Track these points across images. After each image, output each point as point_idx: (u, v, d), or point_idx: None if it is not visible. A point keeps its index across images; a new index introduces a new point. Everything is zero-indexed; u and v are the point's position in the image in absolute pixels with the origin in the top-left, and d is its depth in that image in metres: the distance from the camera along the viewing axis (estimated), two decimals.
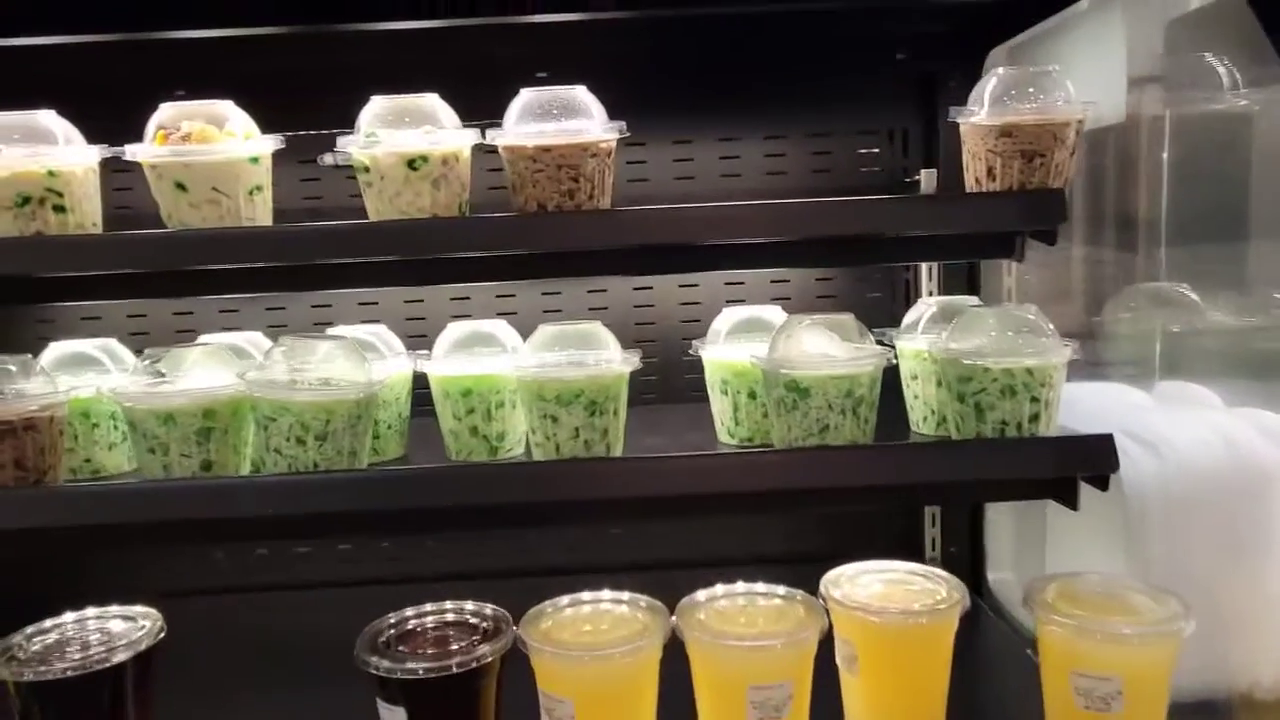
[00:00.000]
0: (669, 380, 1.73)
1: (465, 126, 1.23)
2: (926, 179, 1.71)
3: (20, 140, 1.18)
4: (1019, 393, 1.17)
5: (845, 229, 1.20)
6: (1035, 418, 1.18)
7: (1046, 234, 1.23)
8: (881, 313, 1.75)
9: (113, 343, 1.43)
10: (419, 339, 1.59)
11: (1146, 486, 1.28)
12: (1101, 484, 1.16)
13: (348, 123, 1.40)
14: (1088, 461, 1.14)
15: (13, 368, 1.19)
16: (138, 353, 1.47)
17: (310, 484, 1.13)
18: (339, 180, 1.68)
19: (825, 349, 1.22)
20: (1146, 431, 1.33)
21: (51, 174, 1.17)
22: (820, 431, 1.19)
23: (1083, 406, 1.39)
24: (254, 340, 1.44)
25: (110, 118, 1.25)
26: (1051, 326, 1.23)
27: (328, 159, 1.70)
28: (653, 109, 1.52)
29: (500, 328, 1.42)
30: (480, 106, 1.31)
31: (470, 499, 1.13)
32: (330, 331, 1.44)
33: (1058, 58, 1.54)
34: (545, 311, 1.73)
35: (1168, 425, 1.35)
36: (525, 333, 1.43)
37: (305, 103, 1.57)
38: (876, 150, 1.75)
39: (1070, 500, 1.19)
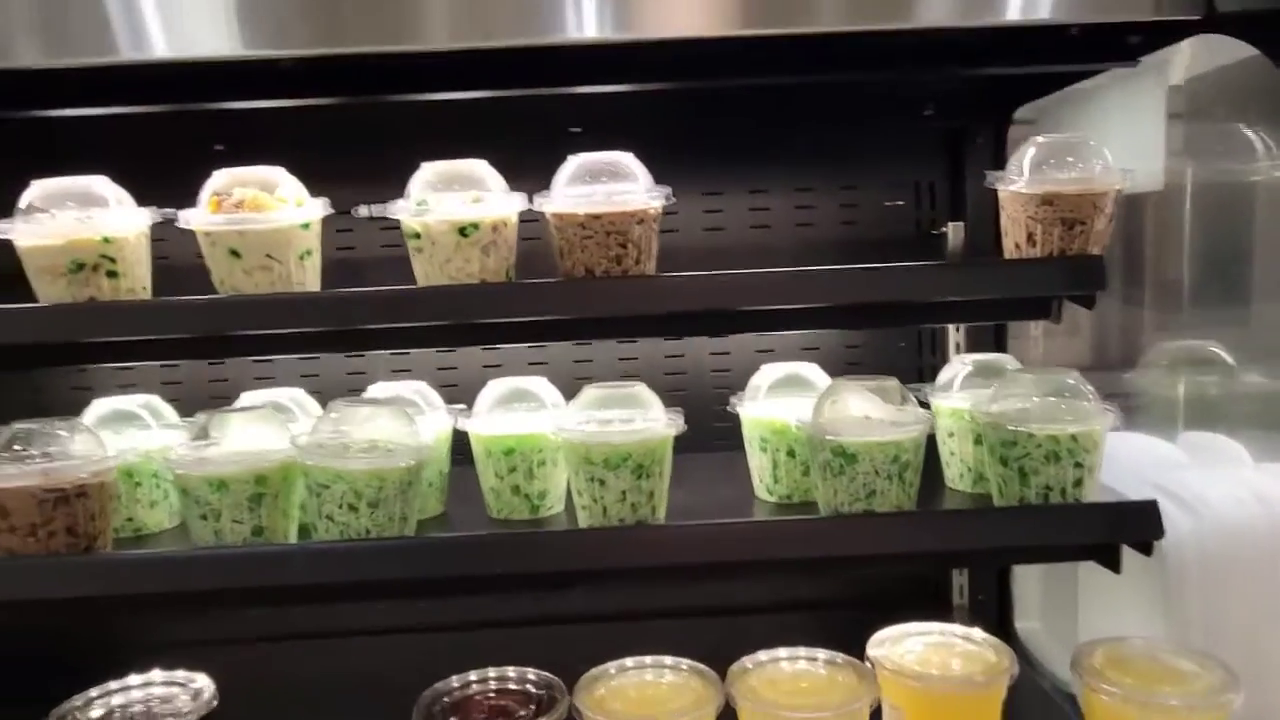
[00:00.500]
0: (698, 429, 1.74)
1: (500, 174, 1.25)
2: (954, 231, 1.73)
3: (75, 206, 1.19)
4: (1063, 458, 1.19)
5: (890, 295, 1.22)
6: (1079, 482, 1.20)
7: (1085, 298, 1.25)
8: (908, 364, 1.77)
9: (154, 399, 1.44)
10: (450, 388, 1.60)
11: (1183, 545, 1.30)
12: (1145, 549, 1.17)
13: (384, 176, 1.42)
14: (1132, 528, 1.16)
15: (63, 432, 1.19)
16: (171, 400, 1.49)
17: (363, 551, 1.13)
18: (373, 231, 1.70)
19: (870, 413, 1.23)
20: (1180, 488, 1.35)
21: (106, 240, 1.18)
22: (867, 496, 1.20)
23: (1112, 459, 1.40)
24: (296, 397, 1.45)
25: (158, 179, 1.27)
26: (1091, 389, 1.25)
27: (363, 210, 1.73)
28: (684, 161, 1.54)
29: (539, 384, 1.43)
30: (516, 161, 1.34)
31: (522, 567, 1.14)
32: (371, 389, 1.46)
33: (1086, 116, 1.57)
34: (576, 361, 1.75)
35: (1201, 482, 1.37)
36: (557, 385, 1.45)
37: (344, 160, 1.59)
38: (903, 203, 1.77)
39: (1113, 564, 1.21)
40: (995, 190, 1.27)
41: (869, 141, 1.72)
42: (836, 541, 1.15)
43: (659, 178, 1.24)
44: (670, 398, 1.31)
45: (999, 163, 1.71)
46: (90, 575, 1.11)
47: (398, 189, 1.25)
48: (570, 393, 1.44)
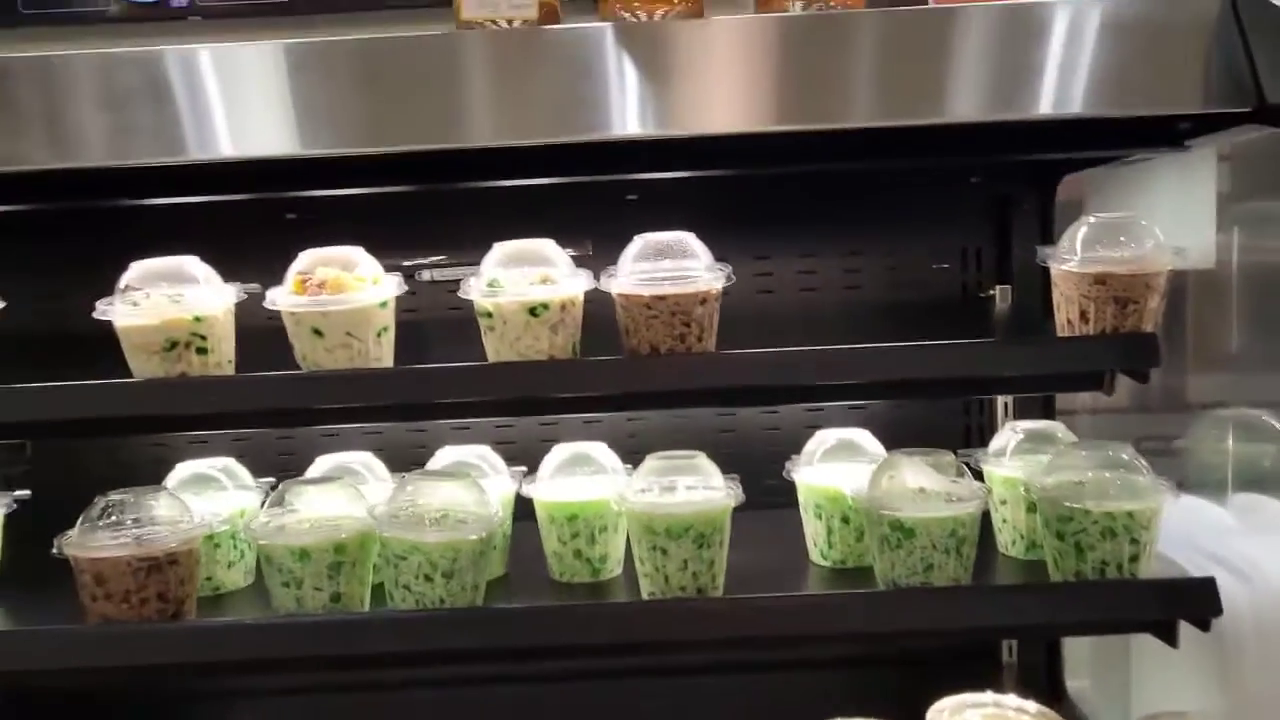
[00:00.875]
0: (748, 488, 1.78)
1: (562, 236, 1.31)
2: (1001, 294, 1.76)
3: (167, 284, 1.26)
4: (1119, 535, 1.21)
5: (945, 372, 1.25)
6: (1135, 558, 1.22)
7: (1140, 374, 1.28)
8: (956, 425, 1.78)
9: (230, 462, 1.50)
10: (507, 445, 1.64)
11: (1239, 615, 1.31)
12: (1203, 626, 1.19)
13: (448, 240, 1.48)
14: (1190, 605, 1.18)
15: (153, 501, 1.26)
16: (240, 457, 1.55)
17: (438, 620, 1.18)
18: (439, 294, 1.75)
19: (926, 486, 1.26)
20: (1234, 556, 1.36)
21: (196, 319, 1.25)
22: (924, 570, 1.23)
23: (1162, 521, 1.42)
24: (365, 461, 1.50)
25: (236, 248, 1.35)
26: (1145, 464, 1.27)
27: (426, 274, 1.80)
28: (735, 225, 1.60)
29: (599, 450, 1.47)
30: (578, 227, 1.40)
31: (589, 638, 1.18)
32: (439, 453, 1.52)
33: (1135, 182, 1.59)
34: (630, 420, 1.78)
35: (1255, 550, 1.38)
36: (611, 444, 1.49)
37: (410, 227, 1.68)
38: (950, 266, 1.80)
39: (1169, 638, 1.22)
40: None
41: (916, 207, 1.76)
42: (894, 616, 1.18)
43: (711, 241, 1.29)
44: (721, 455, 1.35)
45: (1046, 227, 1.74)
46: (181, 642, 1.17)
47: (461, 251, 1.31)
48: (624, 450, 1.49)
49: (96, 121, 1.18)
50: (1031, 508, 1.36)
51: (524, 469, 1.49)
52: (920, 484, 1.27)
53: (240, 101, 1.19)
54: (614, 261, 1.29)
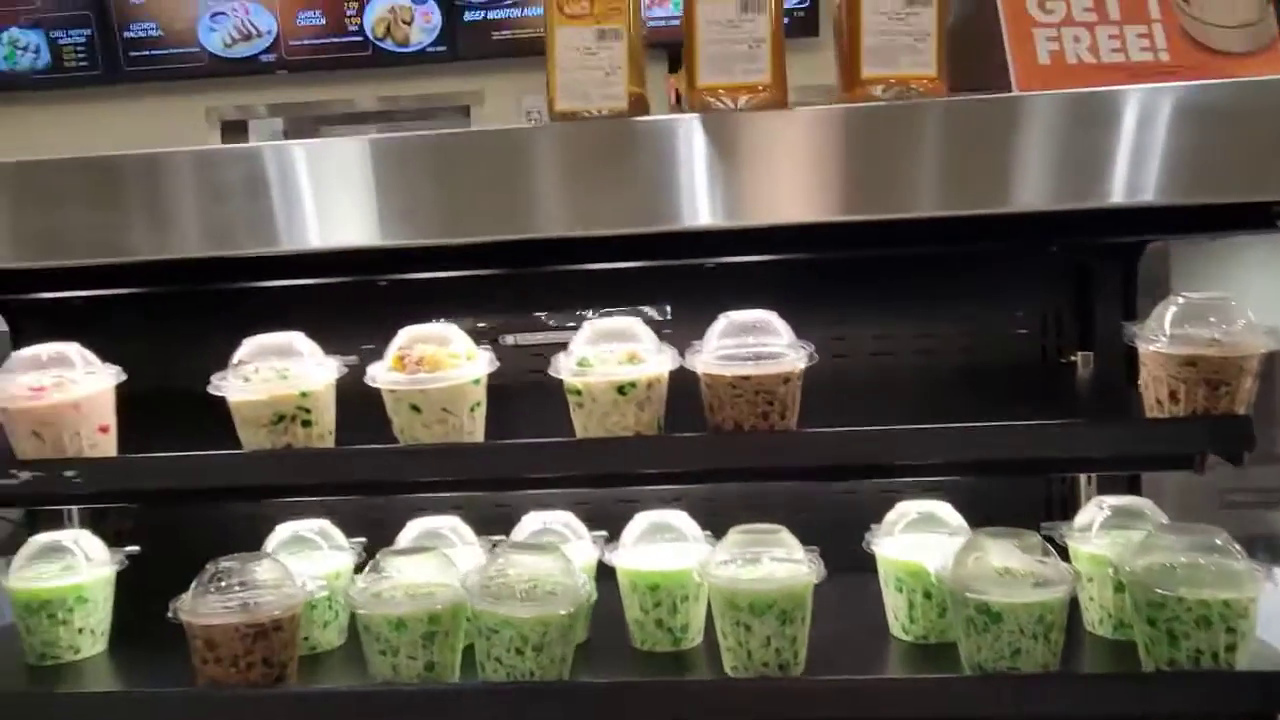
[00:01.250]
0: (826, 558, 1.78)
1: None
2: (1083, 360, 1.75)
3: (277, 359, 1.33)
4: (1214, 623, 1.19)
5: (1036, 452, 1.25)
6: (1232, 648, 1.20)
7: (1234, 456, 1.26)
8: (1037, 496, 1.76)
9: (326, 524, 1.57)
10: (586, 505, 1.67)
11: None
12: None
13: (530, 306, 1.52)
14: None
15: (258, 567, 1.32)
16: (330, 514, 1.61)
17: (528, 692, 1.22)
18: (524, 357, 1.80)
19: (1012, 567, 1.26)
20: None
21: (302, 394, 1.32)
22: (1011, 655, 1.22)
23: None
24: (454, 526, 1.55)
25: (335, 319, 1.42)
26: (1239, 548, 1.25)
27: (510, 339, 1.86)
28: (809, 299, 1.61)
29: (680, 519, 1.50)
30: (651, 294, 1.41)
31: (674, 714, 1.20)
32: (525, 520, 1.56)
33: (1222, 257, 1.58)
34: (709, 485, 1.80)
35: None
36: (690, 510, 1.52)
37: (492, 298, 1.74)
38: (1028, 331, 1.79)
39: None
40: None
41: (995, 274, 1.76)
42: (981, 702, 1.18)
43: (787, 308, 1.32)
44: (798, 521, 1.37)
45: (1129, 294, 1.72)
46: (287, 708, 1.22)
47: (543, 313, 1.33)
48: (703, 514, 1.51)
49: (200, 215, 1.25)
50: (1119, 587, 1.34)
51: (605, 534, 1.53)
52: (1006, 565, 1.26)
53: (341, 194, 1.25)
54: (692, 323, 1.33)
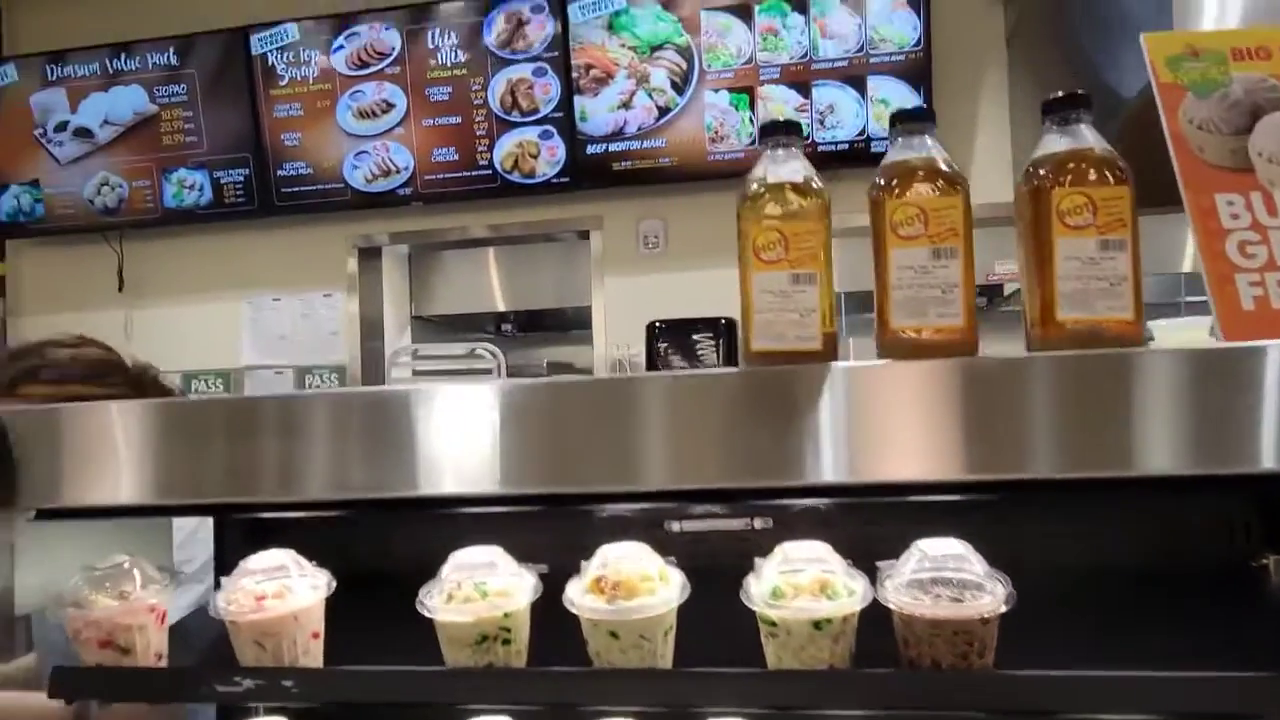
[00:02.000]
0: None
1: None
2: (1275, 565, 1.67)
3: (482, 574, 1.40)
4: None
5: (1255, 708, 1.20)
6: None
7: None
8: None
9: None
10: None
11: None
12: None
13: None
14: None
15: None
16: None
17: None
18: (686, 543, 1.83)
19: None
20: None
21: (505, 616, 1.37)
22: None
23: None
24: None
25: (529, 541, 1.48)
26: None
27: (675, 525, 1.89)
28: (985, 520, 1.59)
29: None
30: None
31: None
32: None
33: None
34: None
35: None
36: None
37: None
38: (1213, 536, 1.73)
39: None
40: None
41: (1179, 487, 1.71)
42: None
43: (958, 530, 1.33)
44: None
45: None
46: None
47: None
48: None
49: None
50: None
51: None
52: None
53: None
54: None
